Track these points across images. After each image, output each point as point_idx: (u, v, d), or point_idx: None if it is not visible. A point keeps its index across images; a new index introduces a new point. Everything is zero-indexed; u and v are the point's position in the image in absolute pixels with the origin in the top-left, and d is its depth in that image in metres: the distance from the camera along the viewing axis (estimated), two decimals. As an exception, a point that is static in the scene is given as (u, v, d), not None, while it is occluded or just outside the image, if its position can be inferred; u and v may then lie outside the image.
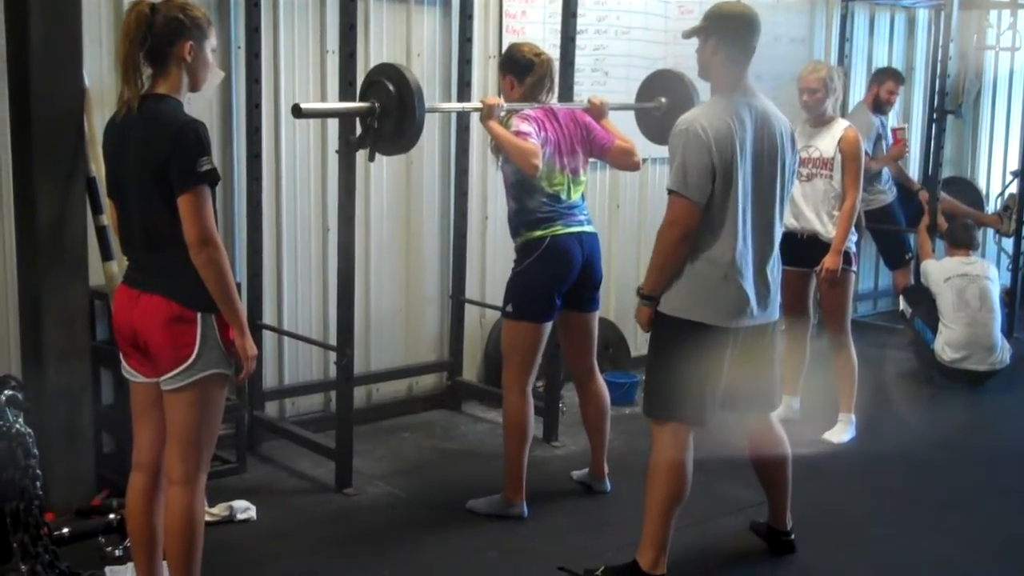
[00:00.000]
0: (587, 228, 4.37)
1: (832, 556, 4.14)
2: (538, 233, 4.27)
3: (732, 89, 3.65)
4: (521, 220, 4.32)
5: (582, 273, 4.33)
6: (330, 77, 5.04)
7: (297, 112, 3.97)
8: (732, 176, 3.53)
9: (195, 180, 2.97)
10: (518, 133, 4.18)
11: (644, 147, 4.82)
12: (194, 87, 3.16)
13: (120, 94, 3.09)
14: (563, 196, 4.30)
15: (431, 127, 5.52)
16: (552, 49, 5.09)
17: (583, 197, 4.41)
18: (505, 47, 5.46)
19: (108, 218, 3.97)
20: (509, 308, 4.33)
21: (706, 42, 3.67)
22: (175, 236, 3.01)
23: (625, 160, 4.53)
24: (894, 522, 4.46)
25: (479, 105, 4.32)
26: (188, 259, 3.00)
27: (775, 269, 3.76)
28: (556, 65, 4.58)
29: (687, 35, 3.76)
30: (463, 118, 5.53)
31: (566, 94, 5.02)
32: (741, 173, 3.55)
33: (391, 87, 4.02)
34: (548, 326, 4.35)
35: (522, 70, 4.39)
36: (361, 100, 4.16)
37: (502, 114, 4.28)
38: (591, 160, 4.49)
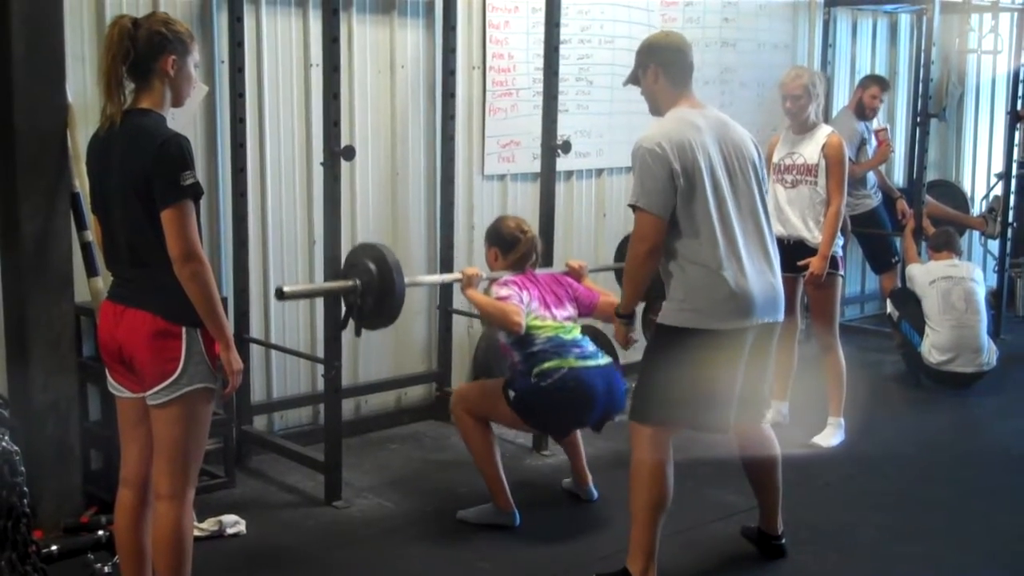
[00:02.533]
0: (602, 360, 4.32)
1: (823, 560, 4.15)
2: (553, 363, 4.19)
3: (681, 103, 3.72)
4: (529, 364, 4.23)
5: (606, 407, 4.29)
6: (314, 90, 5.04)
7: (280, 295, 4.22)
8: (699, 183, 3.55)
9: (178, 194, 2.97)
10: (499, 299, 4.28)
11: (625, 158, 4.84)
12: (177, 102, 3.16)
13: (103, 109, 3.09)
14: (563, 335, 4.31)
15: (416, 137, 5.54)
16: (535, 59, 5.11)
17: (584, 337, 4.41)
18: (489, 61, 5.50)
19: (93, 234, 3.96)
20: (510, 393, 4.24)
21: (646, 73, 3.78)
22: (159, 251, 3.00)
23: (613, 312, 4.52)
24: (883, 525, 4.47)
25: (459, 276, 4.50)
26: (173, 274, 3.00)
27: (776, 268, 3.77)
28: (539, 242, 4.66)
29: (627, 82, 3.88)
30: (448, 127, 5.53)
31: (550, 104, 5.04)
32: (708, 177, 3.57)
33: (371, 265, 4.25)
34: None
35: (506, 245, 4.53)
36: (343, 279, 4.35)
37: (483, 284, 4.41)
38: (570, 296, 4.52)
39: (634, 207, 3.60)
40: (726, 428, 3.74)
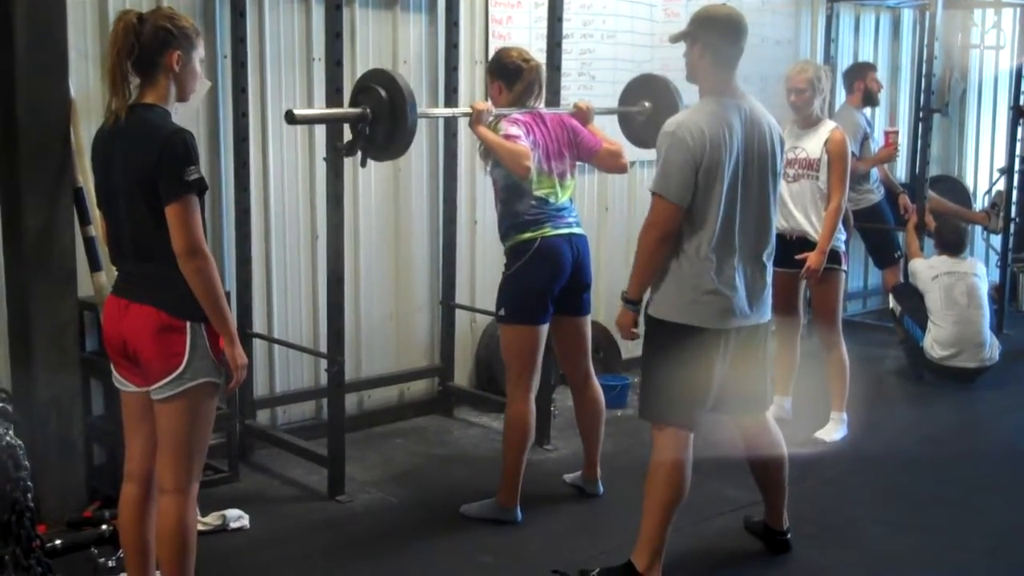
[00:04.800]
0: (576, 230, 4.37)
1: (827, 554, 4.15)
2: (527, 235, 4.27)
3: (720, 92, 3.66)
4: (510, 224, 4.32)
5: (573, 275, 4.33)
6: (317, 85, 5.04)
7: (290, 118, 3.97)
8: (718, 179, 3.54)
9: (183, 189, 2.97)
10: (507, 136, 4.18)
11: (631, 150, 4.85)
12: (182, 97, 3.16)
13: (108, 104, 3.09)
14: (552, 199, 4.30)
15: (419, 133, 5.48)
16: (538, 54, 5.09)
17: (572, 200, 4.42)
18: (492, 53, 5.48)
19: (97, 229, 3.97)
20: (502, 312, 4.32)
21: (693, 46, 3.69)
22: (164, 246, 3.00)
23: (613, 163, 4.54)
24: (887, 519, 4.47)
25: (468, 110, 4.33)
26: (177, 269, 3.00)
27: (768, 270, 3.77)
28: (544, 70, 4.58)
29: (674, 39, 3.76)
30: (451, 124, 5.53)
31: (553, 99, 5.03)
32: (728, 176, 3.56)
33: (383, 93, 4.02)
34: (544, 328, 4.34)
35: (510, 76, 4.40)
36: (352, 106, 4.16)
37: (491, 119, 4.28)
38: (579, 163, 4.50)
39: (653, 193, 3.59)
40: (692, 426, 3.72)
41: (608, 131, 4.70)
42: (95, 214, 3.83)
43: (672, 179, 3.54)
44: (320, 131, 4.84)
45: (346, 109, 4.22)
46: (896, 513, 4.55)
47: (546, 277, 4.28)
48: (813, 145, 5.30)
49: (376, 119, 4.05)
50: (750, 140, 3.63)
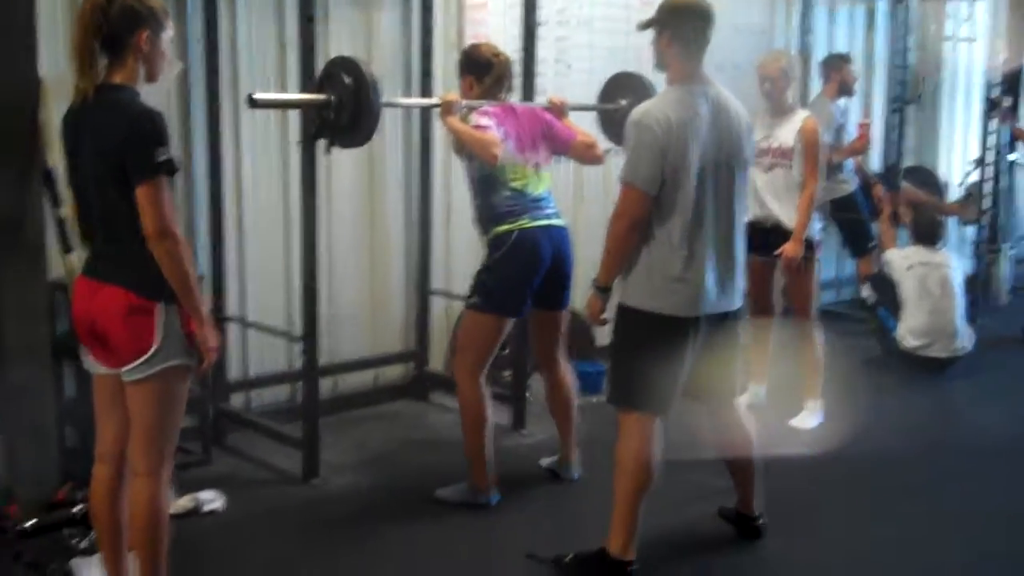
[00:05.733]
0: (555, 221, 4.37)
1: (798, 541, 4.17)
2: (505, 227, 4.27)
3: (688, 79, 3.67)
4: (487, 216, 4.32)
5: (552, 267, 4.33)
6: (290, 68, 5.02)
7: (252, 103, 3.99)
8: (686, 167, 3.55)
9: (152, 171, 2.93)
10: (477, 127, 4.20)
11: (606, 142, 4.85)
12: (151, 78, 3.12)
13: (76, 84, 3.06)
14: (528, 190, 4.30)
15: (393, 116, 5.52)
16: (513, 40, 5.10)
17: (549, 191, 4.42)
18: (466, 41, 5.49)
19: (68, 209, 3.93)
20: (475, 300, 4.31)
21: (661, 34, 3.70)
22: (134, 227, 2.97)
23: (587, 154, 4.55)
24: (859, 507, 4.50)
25: (437, 101, 4.36)
26: (147, 250, 2.97)
27: (739, 257, 3.78)
28: (515, 66, 4.60)
29: (641, 27, 3.78)
30: (425, 108, 5.52)
31: (529, 84, 5.03)
32: (696, 163, 3.56)
33: (347, 80, 4.03)
34: (511, 321, 4.35)
35: (481, 70, 4.42)
36: (318, 92, 4.15)
37: (461, 111, 4.30)
38: (555, 156, 4.51)
39: (623, 182, 3.60)
40: (661, 412, 3.73)
41: (585, 127, 4.70)
42: (66, 195, 3.80)
43: (640, 167, 3.54)
44: (294, 115, 4.81)
45: (309, 95, 4.22)
46: (868, 501, 4.58)
47: (523, 270, 4.28)
48: (786, 134, 5.32)
49: (341, 105, 4.05)
50: (718, 127, 3.64)
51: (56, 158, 3.96)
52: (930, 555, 4.10)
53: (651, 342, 3.64)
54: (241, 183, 5.04)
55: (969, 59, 9.18)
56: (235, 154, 4.98)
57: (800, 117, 5.34)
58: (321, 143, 4.27)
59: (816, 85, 7.45)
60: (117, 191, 2.97)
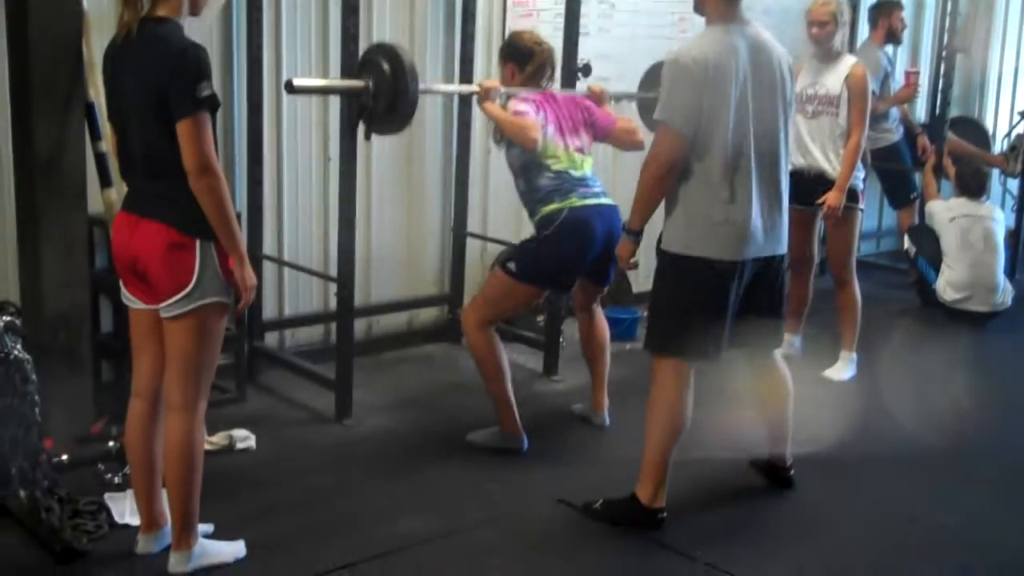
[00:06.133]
0: (604, 200, 4.32)
1: (830, 491, 4.16)
2: (554, 206, 4.22)
3: (726, 20, 3.60)
4: (535, 198, 4.28)
5: (604, 247, 4.28)
6: (332, 4, 4.97)
7: (290, 88, 4.00)
8: (724, 106, 3.48)
9: (195, 106, 2.92)
10: (515, 113, 4.20)
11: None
12: (195, 11, 3.10)
13: (120, 16, 3.04)
14: (571, 171, 4.28)
15: (435, 57, 5.47)
16: (556, 5, 5.03)
17: (593, 172, 4.38)
18: (509, 20, 5.47)
19: (108, 144, 3.93)
20: (512, 266, 4.26)
21: None
22: (174, 162, 2.96)
23: (628, 139, 4.53)
24: (892, 459, 4.47)
25: (476, 88, 4.37)
26: (187, 186, 2.96)
27: (785, 200, 3.72)
28: (557, 54, 4.59)
29: None
30: (466, 53, 5.47)
31: (572, 26, 4.97)
32: (734, 102, 3.50)
33: (385, 66, 4.02)
34: (545, 292, 4.33)
35: (523, 58, 4.41)
36: (356, 78, 4.16)
37: (501, 97, 4.30)
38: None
39: (658, 122, 3.54)
40: (708, 358, 3.70)
41: (645, 66, 4.68)
42: (106, 130, 3.79)
43: (676, 106, 3.48)
44: (335, 52, 4.77)
45: (347, 81, 4.23)
46: (900, 452, 4.54)
47: (574, 250, 4.25)
48: (833, 81, 5.23)
49: (378, 92, 4.06)
50: (757, 66, 3.58)
51: (97, 92, 3.95)
52: (962, 508, 4.07)
53: (693, 288, 3.61)
54: (281, 121, 5.02)
55: (1022, 6, 8.97)
56: (275, 91, 4.94)
57: (848, 63, 5.24)
58: (360, 129, 4.27)
59: (864, 31, 7.31)
60: (158, 126, 2.96)
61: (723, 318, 3.63)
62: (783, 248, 3.76)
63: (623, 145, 4.61)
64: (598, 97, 4.57)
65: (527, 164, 4.26)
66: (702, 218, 3.56)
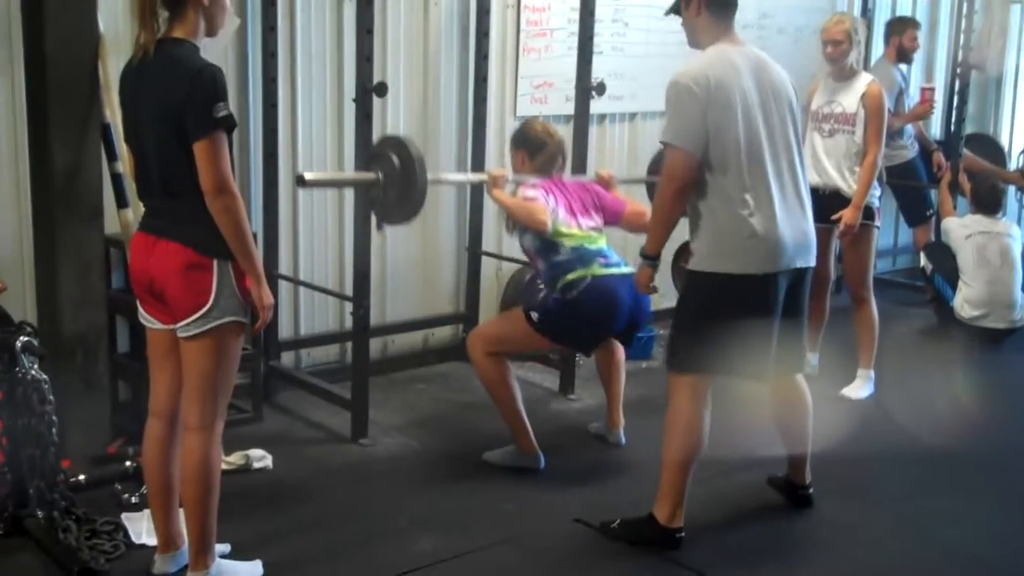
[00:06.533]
0: (626, 270, 4.30)
1: (848, 510, 4.13)
2: (577, 274, 4.21)
3: (721, 39, 3.63)
4: (555, 273, 4.25)
5: (631, 318, 4.29)
6: (347, 25, 4.99)
7: (301, 182, 4.03)
8: (731, 120, 3.48)
9: (211, 126, 2.93)
10: (524, 199, 4.23)
11: (638, 101, 4.79)
12: (211, 32, 3.12)
13: (136, 38, 3.05)
14: (587, 245, 4.28)
15: (449, 77, 5.48)
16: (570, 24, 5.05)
17: (609, 247, 4.39)
18: (522, 40, 5.57)
19: (125, 165, 3.94)
20: (535, 316, 4.25)
21: (688, 5, 3.66)
22: (191, 182, 2.97)
23: (639, 222, 4.47)
24: (910, 478, 4.45)
25: (485, 177, 4.41)
26: (204, 206, 2.97)
27: (808, 211, 3.71)
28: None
29: (668, 12, 3.77)
30: (481, 68, 5.48)
31: (585, 45, 4.97)
32: (743, 118, 3.50)
33: (395, 158, 4.06)
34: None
35: (534, 148, 4.46)
36: (366, 171, 4.21)
37: (510, 187, 4.34)
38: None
39: (665, 144, 3.55)
40: (763, 375, 3.69)
41: (657, 84, 4.65)
42: (123, 150, 3.81)
43: (680, 127, 3.49)
44: (350, 72, 4.78)
45: (359, 174, 4.30)
46: (920, 472, 4.52)
47: (598, 316, 4.25)
48: (849, 99, 5.22)
49: (388, 183, 4.09)
50: (762, 83, 3.59)
51: (113, 113, 3.97)
52: (982, 526, 4.04)
53: (722, 305, 3.58)
54: (296, 140, 5.03)
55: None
56: (290, 111, 4.97)
57: (864, 82, 5.23)
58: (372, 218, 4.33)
59: (876, 50, 7.30)
60: (176, 146, 2.97)
61: (763, 333, 3.61)
62: (812, 259, 3.74)
63: (634, 228, 4.56)
64: (607, 182, 4.58)
65: (542, 247, 4.27)
66: (729, 234, 3.54)
